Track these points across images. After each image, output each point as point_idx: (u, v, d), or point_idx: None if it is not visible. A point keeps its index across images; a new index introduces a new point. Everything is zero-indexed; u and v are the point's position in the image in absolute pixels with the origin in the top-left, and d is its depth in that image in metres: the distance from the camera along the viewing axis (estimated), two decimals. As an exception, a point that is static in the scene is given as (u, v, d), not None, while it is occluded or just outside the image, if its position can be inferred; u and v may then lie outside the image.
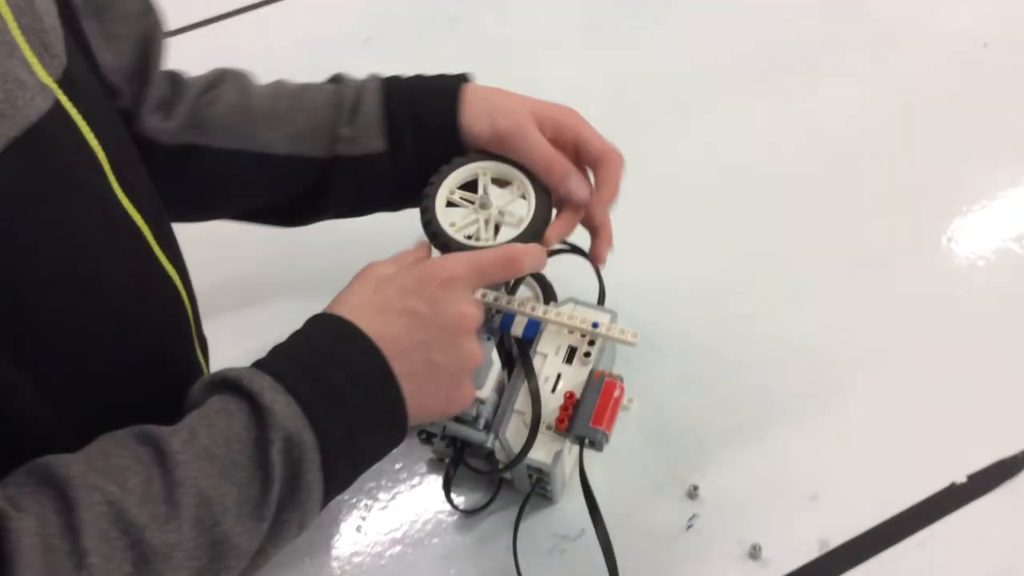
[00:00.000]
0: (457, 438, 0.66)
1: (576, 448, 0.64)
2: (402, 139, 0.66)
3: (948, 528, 0.65)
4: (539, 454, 0.63)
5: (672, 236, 0.87)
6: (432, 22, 1.17)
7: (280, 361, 0.51)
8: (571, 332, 0.66)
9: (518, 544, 0.66)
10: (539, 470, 0.64)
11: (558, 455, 0.63)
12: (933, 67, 1.01)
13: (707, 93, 1.02)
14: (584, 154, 0.65)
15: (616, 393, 0.62)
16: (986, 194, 0.88)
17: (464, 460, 0.68)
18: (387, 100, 0.66)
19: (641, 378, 0.73)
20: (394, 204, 0.70)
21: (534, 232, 0.62)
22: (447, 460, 0.69)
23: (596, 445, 0.61)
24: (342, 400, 0.50)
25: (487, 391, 0.62)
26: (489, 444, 0.64)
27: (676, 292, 0.81)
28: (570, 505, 0.69)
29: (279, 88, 0.69)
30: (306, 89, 0.68)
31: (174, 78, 0.69)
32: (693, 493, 0.68)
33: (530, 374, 0.64)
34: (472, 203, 0.63)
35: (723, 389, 0.74)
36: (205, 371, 0.62)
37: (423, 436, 0.67)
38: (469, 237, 0.62)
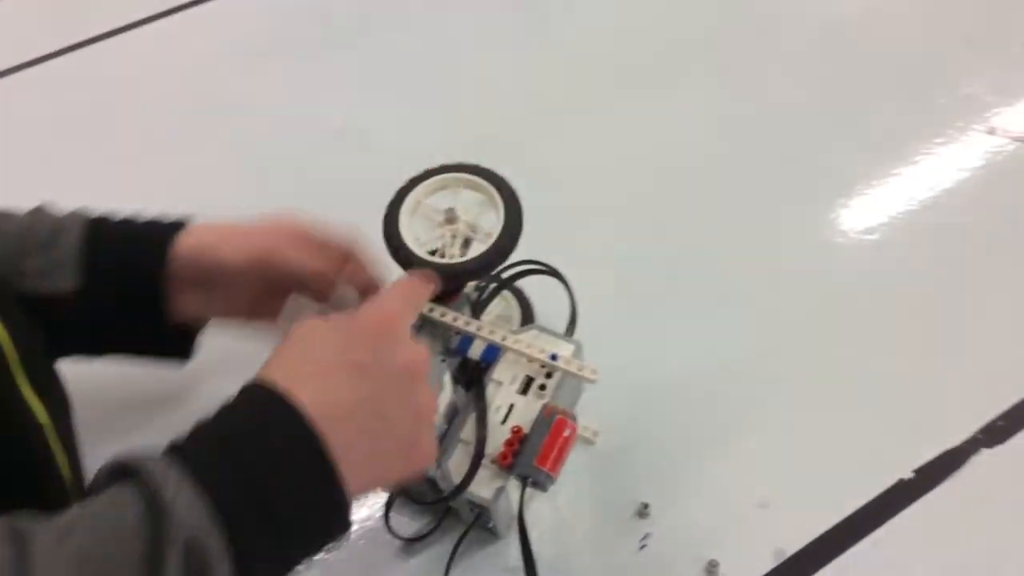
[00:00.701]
0: None
1: None
2: (102, 279, 0.60)
3: (901, 525, 0.64)
4: (480, 489, 0.59)
5: (605, 251, 0.85)
6: (332, 34, 1.13)
7: (197, 444, 0.43)
8: (531, 361, 0.61)
9: (464, 583, 0.63)
10: (480, 506, 0.61)
11: (500, 491, 0.59)
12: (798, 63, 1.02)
13: (586, 100, 1.01)
14: (333, 251, 0.64)
15: (566, 432, 0.58)
16: (871, 181, 0.89)
17: (406, 487, 0.65)
18: (90, 235, 0.61)
19: (582, 397, 0.71)
20: (93, 350, 0.64)
21: (502, 249, 0.57)
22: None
23: (539, 486, 0.58)
24: (265, 492, 0.42)
25: (437, 419, 0.59)
26: (431, 473, 0.60)
27: (610, 309, 0.79)
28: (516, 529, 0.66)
29: None
30: None
31: None
32: (644, 512, 0.66)
33: (480, 402, 0.61)
34: (441, 217, 0.60)
35: (665, 405, 0.72)
36: (46, 424, 0.54)
37: None
38: (434, 252, 0.58)
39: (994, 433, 0.68)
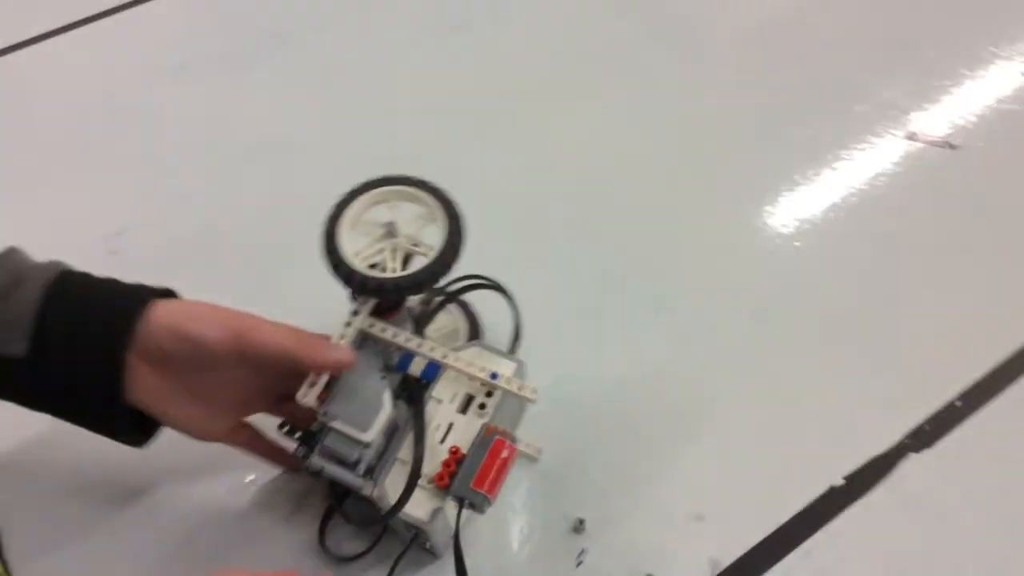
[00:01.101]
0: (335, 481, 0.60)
1: None
2: (52, 347, 0.54)
3: (834, 533, 0.65)
4: (416, 510, 0.58)
5: (543, 260, 0.84)
6: (255, 44, 1.10)
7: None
8: (471, 380, 0.60)
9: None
10: (416, 526, 0.59)
11: (437, 512, 0.58)
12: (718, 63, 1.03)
13: (512, 107, 1.00)
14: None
15: (505, 453, 0.57)
16: (795, 188, 0.90)
17: (340, 507, 0.63)
18: (51, 295, 0.55)
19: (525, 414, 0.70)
20: (34, 407, 0.58)
21: (444, 262, 0.56)
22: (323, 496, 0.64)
23: (477, 508, 0.57)
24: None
25: (372, 434, 0.57)
26: (367, 492, 0.58)
27: (548, 320, 0.78)
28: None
29: None
30: None
31: None
32: (579, 527, 0.65)
33: (418, 421, 0.59)
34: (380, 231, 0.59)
35: (603, 418, 0.72)
36: None
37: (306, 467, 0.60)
38: (374, 266, 0.57)
39: (921, 437, 0.69)
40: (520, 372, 0.62)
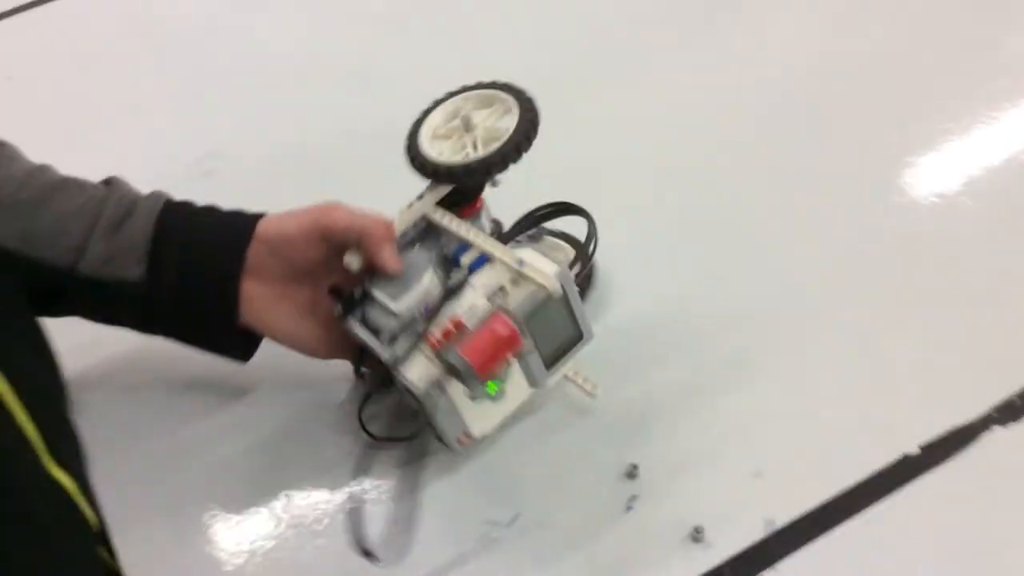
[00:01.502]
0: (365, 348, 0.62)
1: (502, 413, 0.61)
2: (166, 273, 0.60)
3: (899, 504, 0.61)
4: (411, 372, 0.59)
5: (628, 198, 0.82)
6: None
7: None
8: (500, 263, 0.60)
9: (451, 535, 0.62)
10: (413, 395, 0.59)
11: (434, 385, 0.58)
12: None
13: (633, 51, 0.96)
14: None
15: (500, 328, 0.56)
16: (929, 142, 0.84)
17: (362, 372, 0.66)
18: (160, 226, 0.61)
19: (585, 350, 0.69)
20: (143, 328, 0.65)
21: (517, 144, 0.59)
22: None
23: (463, 379, 0.56)
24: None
25: (404, 305, 0.60)
26: (385, 357, 0.60)
27: (623, 257, 0.76)
28: (501, 483, 0.65)
29: (34, 176, 0.60)
30: (63, 187, 0.60)
31: None
32: (633, 473, 0.64)
33: (448, 294, 0.60)
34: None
35: (664, 359, 0.70)
36: (71, 488, 0.48)
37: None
38: None
39: (1010, 411, 0.64)
40: (562, 276, 0.59)
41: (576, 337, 0.62)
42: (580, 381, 0.66)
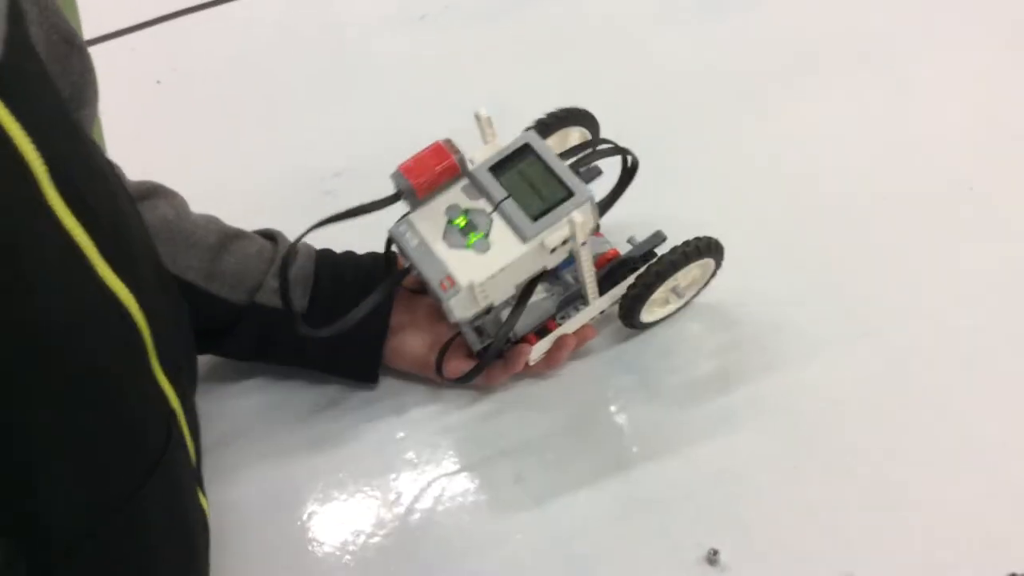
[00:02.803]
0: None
1: (492, 266, 0.60)
2: (323, 307, 0.68)
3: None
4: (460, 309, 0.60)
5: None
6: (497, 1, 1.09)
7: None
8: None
9: None
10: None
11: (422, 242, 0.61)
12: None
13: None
14: None
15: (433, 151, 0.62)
16: None
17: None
18: (318, 264, 0.70)
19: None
20: (294, 360, 0.72)
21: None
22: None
23: (405, 197, 0.62)
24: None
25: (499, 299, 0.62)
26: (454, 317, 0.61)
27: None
28: (577, 562, 0.63)
29: (212, 222, 0.69)
30: (239, 236, 0.69)
31: None
32: (713, 559, 0.62)
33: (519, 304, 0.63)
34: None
35: (758, 436, 0.67)
36: (177, 409, 0.53)
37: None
38: None
39: None
40: (587, 209, 0.60)
41: (566, 194, 0.61)
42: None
